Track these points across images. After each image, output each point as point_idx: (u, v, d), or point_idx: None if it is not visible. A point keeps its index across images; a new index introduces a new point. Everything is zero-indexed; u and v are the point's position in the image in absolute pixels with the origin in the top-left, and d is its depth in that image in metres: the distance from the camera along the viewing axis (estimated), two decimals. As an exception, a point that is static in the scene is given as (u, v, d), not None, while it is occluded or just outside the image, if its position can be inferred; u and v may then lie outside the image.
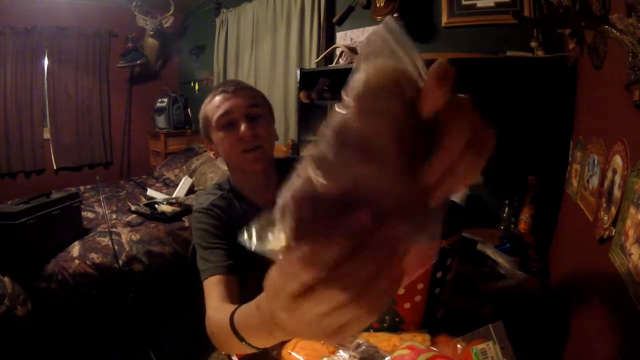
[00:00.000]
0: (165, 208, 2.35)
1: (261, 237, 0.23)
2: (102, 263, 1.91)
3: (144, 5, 3.76)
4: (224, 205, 0.95)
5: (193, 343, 1.12)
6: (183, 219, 2.33)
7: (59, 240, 1.94)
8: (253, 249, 0.24)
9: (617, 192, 0.67)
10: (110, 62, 4.04)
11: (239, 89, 0.94)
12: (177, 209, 2.36)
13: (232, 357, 0.79)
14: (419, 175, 0.22)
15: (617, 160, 0.69)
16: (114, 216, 2.40)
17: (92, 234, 2.11)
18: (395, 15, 2.00)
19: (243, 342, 0.55)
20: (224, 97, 0.92)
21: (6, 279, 1.66)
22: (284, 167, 1.03)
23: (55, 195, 1.97)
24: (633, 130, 0.67)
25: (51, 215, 1.86)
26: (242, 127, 0.90)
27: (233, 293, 0.81)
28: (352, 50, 2.15)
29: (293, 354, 0.74)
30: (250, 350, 0.57)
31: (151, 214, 2.32)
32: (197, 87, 4.14)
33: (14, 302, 1.62)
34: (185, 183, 2.93)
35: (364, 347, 0.71)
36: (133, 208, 2.43)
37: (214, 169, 2.95)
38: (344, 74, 2.19)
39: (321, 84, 2.22)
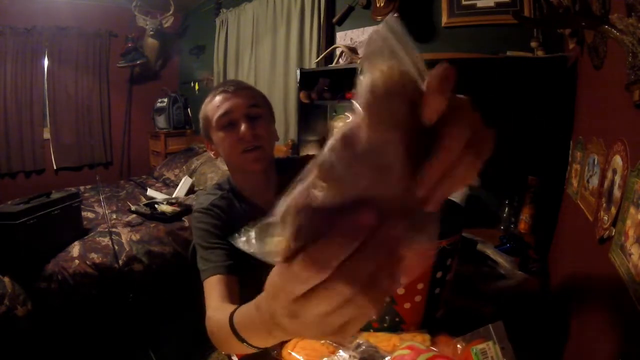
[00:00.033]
0: (165, 208, 2.35)
1: (258, 240, 0.23)
2: (102, 263, 1.91)
3: (144, 5, 3.76)
4: (224, 205, 0.95)
5: (193, 343, 1.12)
6: (183, 219, 2.33)
7: (59, 240, 1.94)
8: (249, 251, 0.24)
9: (617, 192, 0.67)
10: (110, 62, 4.04)
11: (239, 89, 0.94)
12: (177, 209, 2.36)
13: (232, 357, 0.79)
14: (419, 176, 0.22)
15: (617, 160, 0.69)
16: (114, 216, 2.40)
17: (92, 234, 2.11)
18: (395, 15, 2.01)
19: (243, 342, 0.55)
20: (224, 97, 0.92)
21: (6, 279, 1.66)
22: (284, 167, 1.03)
23: (55, 195, 1.97)
24: (633, 130, 0.67)
25: (51, 215, 1.86)
26: (242, 127, 0.90)
27: (233, 293, 0.81)
28: (352, 50, 2.15)
29: (293, 354, 0.74)
30: (250, 350, 0.57)
31: (151, 214, 2.32)
32: (197, 87, 4.14)
33: (14, 302, 1.62)
34: (185, 183, 2.93)
35: (364, 347, 0.71)
36: (133, 208, 2.43)
37: (214, 169, 2.95)
38: (344, 74, 2.20)
39: (321, 84, 2.22)
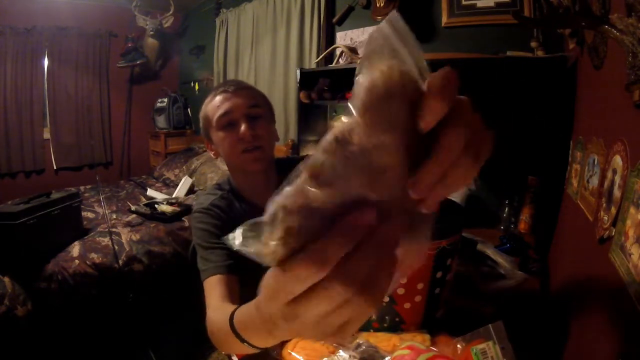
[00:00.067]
0: (165, 208, 2.35)
1: (247, 241, 0.23)
2: (102, 263, 1.91)
3: (144, 5, 3.76)
4: (224, 205, 0.95)
5: (193, 343, 1.12)
6: (183, 219, 2.33)
7: (59, 240, 1.94)
8: (239, 251, 0.23)
9: (617, 192, 0.67)
10: (110, 62, 4.04)
11: (240, 89, 0.94)
12: (177, 209, 2.36)
13: (232, 357, 0.79)
14: (417, 176, 0.22)
15: (617, 160, 0.69)
16: (114, 216, 2.40)
17: (92, 234, 2.11)
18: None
19: (243, 343, 0.55)
20: (225, 97, 0.92)
21: (6, 279, 1.66)
22: (284, 167, 1.03)
23: (55, 195, 1.97)
24: (633, 130, 0.67)
25: (51, 215, 1.86)
26: (242, 127, 0.90)
27: (233, 293, 0.81)
28: (352, 50, 2.15)
29: (293, 354, 0.74)
30: (250, 350, 0.57)
31: (151, 214, 2.32)
32: (197, 87, 4.14)
33: (14, 302, 1.62)
34: (185, 183, 2.93)
35: (364, 347, 0.71)
36: (133, 208, 2.43)
37: (214, 169, 2.95)
38: (344, 74, 2.20)
39: (321, 84, 2.22)
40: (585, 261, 0.87)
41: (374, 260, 0.22)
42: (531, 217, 1.55)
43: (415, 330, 0.79)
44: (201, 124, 0.98)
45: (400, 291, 0.76)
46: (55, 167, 3.89)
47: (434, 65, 0.22)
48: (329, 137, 0.21)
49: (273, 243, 0.22)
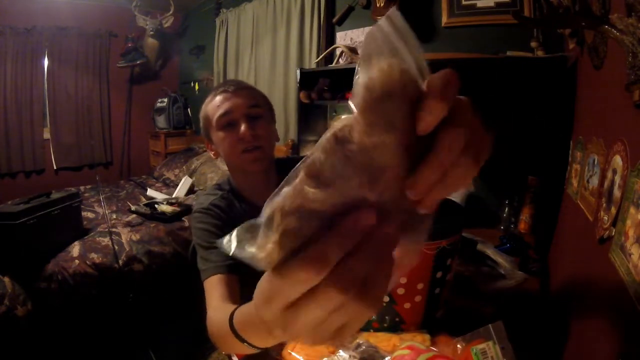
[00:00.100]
0: (165, 208, 2.35)
1: (241, 244, 0.22)
2: (102, 263, 1.91)
3: (144, 5, 3.76)
4: (224, 205, 0.95)
5: (193, 343, 1.12)
6: (183, 219, 2.33)
7: (59, 240, 1.94)
8: (234, 255, 0.22)
9: (617, 192, 0.67)
10: (110, 62, 4.04)
11: (240, 89, 0.94)
12: (177, 209, 2.36)
13: (233, 357, 0.79)
14: (415, 177, 0.22)
15: (617, 160, 0.69)
16: (114, 216, 2.40)
17: (92, 234, 2.11)
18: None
19: (244, 343, 0.55)
20: (225, 97, 0.92)
21: (6, 279, 1.66)
22: (284, 167, 1.03)
23: (55, 195, 1.97)
24: (633, 130, 0.67)
25: (51, 215, 1.86)
26: (242, 127, 0.90)
27: (234, 292, 0.81)
28: (352, 50, 2.15)
29: (293, 354, 0.74)
30: (250, 350, 0.57)
31: (151, 214, 2.32)
32: (197, 87, 4.14)
33: (14, 302, 1.62)
34: (185, 183, 2.93)
35: (364, 347, 0.71)
36: (133, 208, 2.43)
37: (214, 169, 2.95)
38: (344, 74, 2.20)
39: (321, 84, 2.22)
40: (585, 261, 0.87)
41: (373, 261, 0.21)
42: (531, 217, 1.55)
43: (415, 330, 0.79)
44: (201, 124, 0.98)
45: (400, 291, 0.76)
46: (55, 167, 3.89)
47: (434, 65, 0.21)
48: (328, 135, 0.21)
49: (269, 246, 0.21)
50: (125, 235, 2.11)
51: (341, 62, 2.20)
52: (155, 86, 4.28)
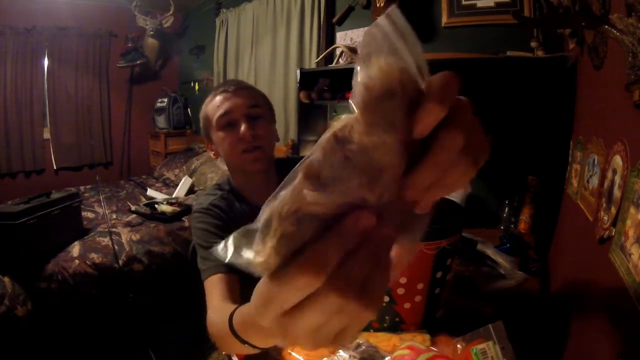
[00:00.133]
0: (165, 208, 2.35)
1: (238, 249, 0.22)
2: (102, 263, 1.91)
3: (144, 5, 3.76)
4: (224, 205, 0.95)
5: (193, 343, 1.12)
6: (183, 219, 2.33)
7: (59, 240, 1.94)
8: (229, 261, 0.22)
9: (617, 192, 0.67)
10: (110, 62, 4.04)
11: (240, 89, 0.94)
12: (177, 209, 2.36)
13: (233, 357, 0.79)
14: (412, 177, 0.22)
15: (617, 160, 0.69)
16: (114, 216, 2.40)
17: (92, 234, 2.11)
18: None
19: (244, 343, 0.55)
20: (225, 97, 0.92)
21: (6, 279, 1.66)
22: (284, 167, 1.03)
23: (55, 195, 1.97)
24: (633, 130, 0.67)
25: (51, 215, 1.86)
26: (242, 127, 0.90)
27: (234, 292, 0.80)
28: (352, 50, 2.15)
29: (293, 354, 0.74)
30: (250, 350, 0.57)
31: (151, 214, 2.33)
32: (197, 87, 4.14)
33: (14, 302, 1.62)
34: (185, 183, 2.93)
35: (364, 347, 0.71)
36: (133, 208, 2.43)
37: (214, 169, 2.95)
38: (344, 74, 2.20)
39: (321, 84, 2.22)
40: (585, 261, 0.87)
41: (372, 263, 0.21)
42: (531, 217, 1.55)
43: (415, 330, 0.79)
44: (201, 124, 0.98)
45: (400, 291, 0.76)
46: (55, 167, 3.89)
47: (434, 65, 0.21)
48: (328, 135, 0.20)
49: (266, 252, 0.21)
50: (125, 235, 2.11)
51: (341, 62, 2.20)
52: (155, 86, 4.28)
